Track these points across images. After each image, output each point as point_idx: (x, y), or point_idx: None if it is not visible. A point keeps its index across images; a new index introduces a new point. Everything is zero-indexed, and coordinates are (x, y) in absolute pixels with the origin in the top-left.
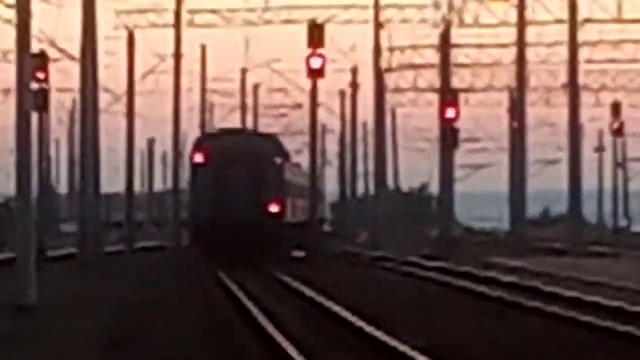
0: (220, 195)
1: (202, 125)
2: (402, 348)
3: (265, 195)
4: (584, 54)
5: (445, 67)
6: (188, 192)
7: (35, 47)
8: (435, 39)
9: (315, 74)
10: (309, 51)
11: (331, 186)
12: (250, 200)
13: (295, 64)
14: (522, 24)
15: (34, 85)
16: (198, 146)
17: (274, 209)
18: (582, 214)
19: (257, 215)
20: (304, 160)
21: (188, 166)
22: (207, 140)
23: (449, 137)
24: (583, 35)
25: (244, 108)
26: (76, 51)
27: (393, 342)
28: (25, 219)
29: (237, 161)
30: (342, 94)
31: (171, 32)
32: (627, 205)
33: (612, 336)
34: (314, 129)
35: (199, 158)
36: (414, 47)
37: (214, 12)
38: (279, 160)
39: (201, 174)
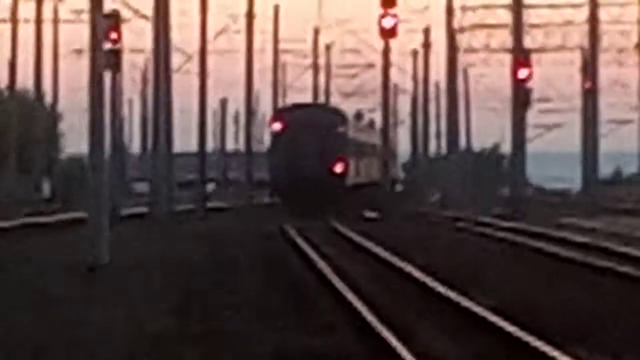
0: (294, 157)
1: (275, 84)
2: (475, 308)
3: (329, 157)
4: None
5: (518, 26)
6: (267, 154)
7: (108, 7)
8: None
9: (388, 34)
10: (381, 11)
11: (403, 146)
12: (317, 161)
13: (367, 23)
14: None
15: (107, 45)
16: (276, 117)
17: (337, 169)
18: None
19: (323, 174)
20: (376, 118)
21: (267, 132)
22: (284, 112)
23: (521, 96)
24: None
25: (316, 68)
26: (148, 11)
27: (465, 302)
28: (98, 178)
29: (307, 130)
30: (415, 53)
31: None
32: None
33: None
34: (386, 89)
35: (277, 127)
36: (486, 7)
37: None
38: (342, 129)
39: (278, 140)
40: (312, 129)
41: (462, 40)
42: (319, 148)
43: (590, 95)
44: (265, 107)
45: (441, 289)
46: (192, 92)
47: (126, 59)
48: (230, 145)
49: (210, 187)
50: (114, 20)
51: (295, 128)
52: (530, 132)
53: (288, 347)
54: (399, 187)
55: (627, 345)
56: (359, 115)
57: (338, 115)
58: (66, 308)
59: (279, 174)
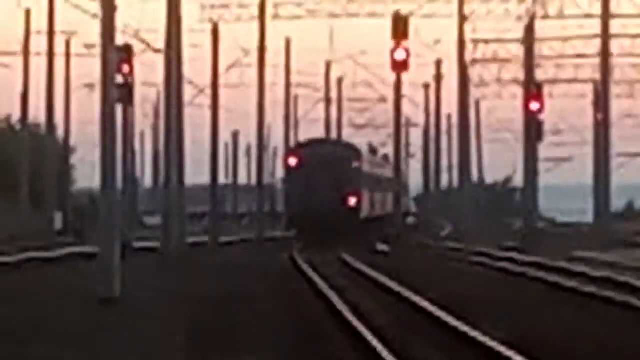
0: (309, 191)
1: (286, 117)
2: (482, 338)
3: (344, 191)
4: None
5: (529, 59)
6: (283, 188)
7: (120, 40)
8: (519, 32)
9: (400, 67)
10: (393, 44)
11: (415, 179)
12: (331, 195)
13: (379, 56)
14: (606, 16)
15: (119, 79)
16: (292, 152)
17: (351, 202)
18: None
19: (338, 207)
20: (388, 151)
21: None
22: (299, 147)
23: (533, 129)
24: None
25: (327, 101)
26: (161, 44)
27: (475, 333)
28: (110, 212)
29: (322, 164)
30: (426, 86)
31: (255, 25)
32: None
33: None
34: (398, 122)
35: (292, 162)
36: (498, 40)
37: (298, 4)
38: (356, 164)
39: (294, 175)
40: (327, 163)
41: (474, 73)
42: (333, 182)
43: (602, 128)
44: (277, 140)
45: (452, 320)
46: (204, 124)
47: (138, 92)
48: (242, 179)
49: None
50: (126, 53)
51: (310, 163)
52: (542, 165)
53: None
54: (410, 220)
55: None
56: (372, 150)
57: (352, 150)
58: (77, 340)
59: (295, 207)
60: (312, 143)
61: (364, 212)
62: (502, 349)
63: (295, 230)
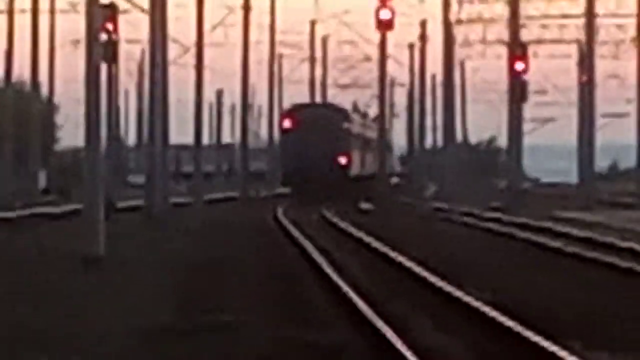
0: (302, 150)
1: (271, 77)
2: (466, 299)
3: (334, 151)
4: None
5: (514, 19)
6: (279, 149)
7: None
8: None
9: (384, 26)
10: (378, 3)
11: (399, 139)
12: (323, 154)
13: (364, 16)
14: None
15: (103, 36)
16: (286, 115)
17: (341, 161)
18: None
19: (329, 166)
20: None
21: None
22: (293, 110)
23: (518, 90)
24: None
25: (312, 60)
26: (145, 2)
27: (458, 294)
28: (94, 170)
29: (314, 126)
30: (411, 46)
31: None
32: None
33: None
34: (383, 82)
35: (287, 124)
36: (483, 0)
37: None
38: (346, 125)
39: (288, 136)
40: (318, 125)
41: (459, 33)
42: (325, 142)
43: (587, 88)
44: (261, 100)
45: (435, 280)
46: (189, 84)
47: (123, 50)
48: (226, 138)
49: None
50: (111, 11)
51: (303, 125)
52: (526, 125)
53: (287, 341)
54: (395, 180)
55: (622, 338)
56: (356, 109)
57: (343, 112)
58: (60, 299)
59: (289, 166)
60: (305, 106)
61: (354, 170)
62: (487, 309)
63: (290, 187)
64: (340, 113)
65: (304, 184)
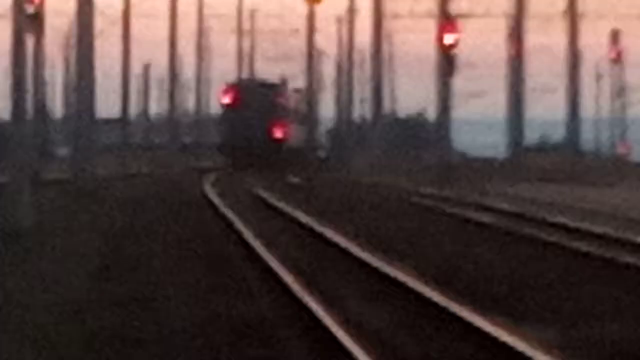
0: (241, 124)
1: (199, 49)
2: (395, 273)
3: (270, 124)
4: None
5: None
6: (219, 121)
7: None
8: None
9: None
10: None
11: (327, 112)
12: (260, 127)
13: None
14: None
15: (29, 8)
16: (226, 91)
17: (277, 134)
18: (579, 142)
19: (265, 138)
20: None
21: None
22: (232, 86)
23: (447, 63)
24: None
25: (240, 32)
26: None
27: (386, 268)
28: (20, 143)
29: (252, 101)
30: (339, 19)
31: None
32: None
33: (596, 261)
34: (311, 55)
35: (226, 99)
36: None
37: None
38: (281, 100)
39: (228, 110)
40: (255, 100)
41: (388, 6)
42: (261, 116)
43: (516, 62)
44: (188, 72)
45: (362, 254)
46: (115, 56)
47: (49, 22)
48: (153, 110)
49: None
50: None
51: (242, 100)
52: (455, 99)
53: (213, 313)
54: (322, 154)
55: (546, 309)
56: (283, 82)
57: (278, 88)
58: None
59: (228, 138)
60: (243, 82)
61: (289, 142)
62: (416, 284)
63: (228, 157)
64: (275, 88)
65: (240, 155)
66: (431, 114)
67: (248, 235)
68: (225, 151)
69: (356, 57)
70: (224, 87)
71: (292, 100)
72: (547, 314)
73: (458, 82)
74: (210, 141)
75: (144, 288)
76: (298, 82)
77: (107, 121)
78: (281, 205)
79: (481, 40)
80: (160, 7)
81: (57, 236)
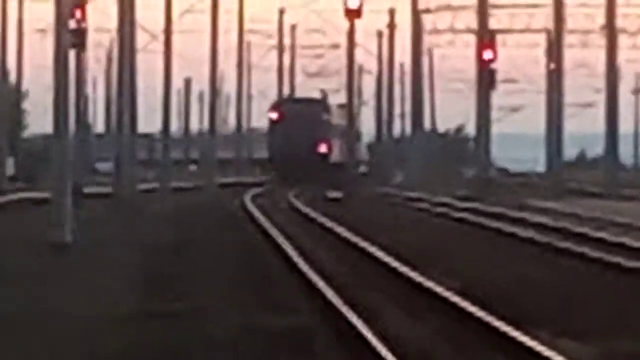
0: (287, 139)
1: (239, 64)
2: (437, 289)
3: (315, 139)
4: None
5: (483, 7)
6: (267, 137)
7: None
8: None
9: (353, 14)
10: None
11: (368, 127)
12: (305, 143)
13: (332, 3)
14: None
15: (72, 24)
16: (274, 108)
17: (321, 149)
18: (618, 156)
19: (310, 153)
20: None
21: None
22: (280, 104)
23: (486, 78)
24: None
25: (281, 48)
26: None
27: (428, 283)
28: (62, 157)
29: (297, 117)
30: (380, 34)
31: None
32: None
33: (632, 275)
34: (351, 70)
35: (274, 116)
36: None
37: None
38: (325, 117)
39: (275, 126)
40: (301, 116)
41: (427, 21)
42: (307, 132)
43: (555, 77)
44: (229, 87)
45: (404, 269)
46: (157, 71)
47: (91, 38)
48: (194, 125)
49: (192, 167)
50: None
51: (288, 116)
52: (495, 113)
53: (254, 326)
54: (362, 169)
55: (588, 326)
56: (324, 97)
57: (323, 105)
58: (27, 285)
59: (276, 153)
60: (289, 100)
61: (333, 157)
62: (457, 299)
63: (276, 172)
64: (320, 105)
65: (288, 169)
66: (471, 129)
67: (291, 252)
68: (275, 168)
69: (396, 72)
70: (272, 103)
71: (336, 116)
72: (588, 327)
73: (498, 97)
74: (253, 156)
75: (187, 302)
76: (338, 97)
77: (147, 135)
78: (322, 220)
79: (520, 55)
80: (202, 23)
81: (100, 249)
